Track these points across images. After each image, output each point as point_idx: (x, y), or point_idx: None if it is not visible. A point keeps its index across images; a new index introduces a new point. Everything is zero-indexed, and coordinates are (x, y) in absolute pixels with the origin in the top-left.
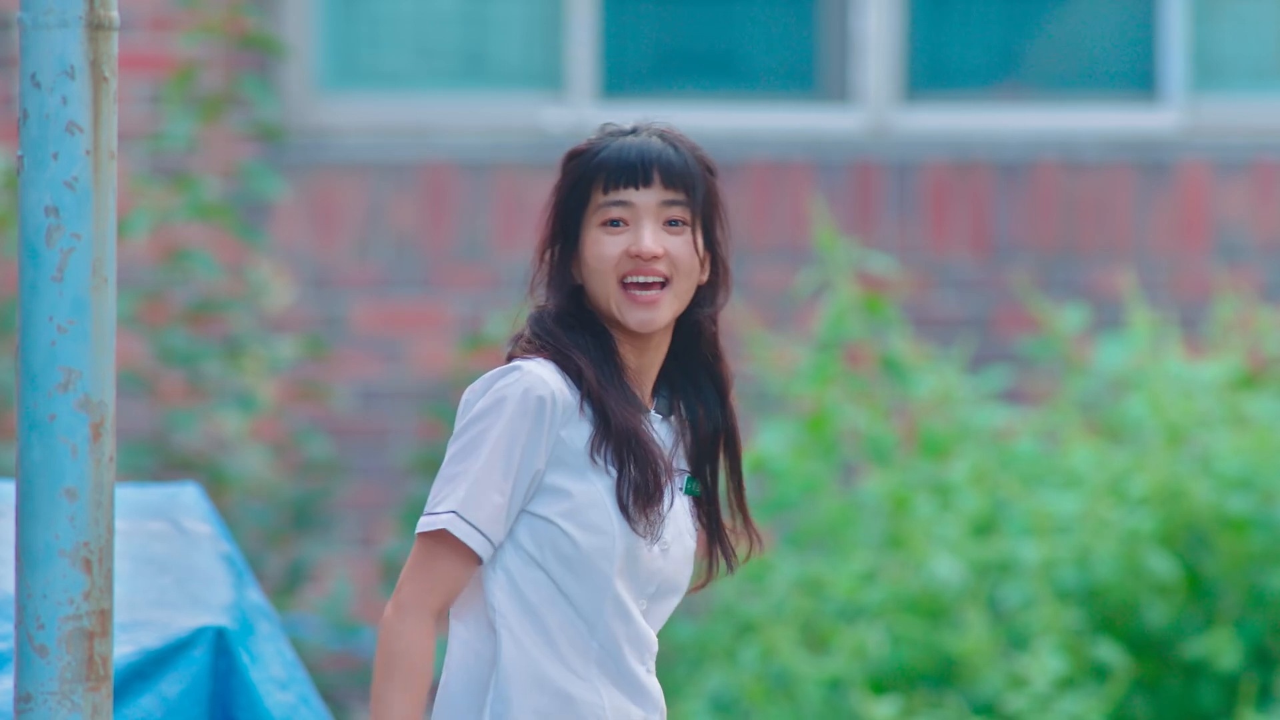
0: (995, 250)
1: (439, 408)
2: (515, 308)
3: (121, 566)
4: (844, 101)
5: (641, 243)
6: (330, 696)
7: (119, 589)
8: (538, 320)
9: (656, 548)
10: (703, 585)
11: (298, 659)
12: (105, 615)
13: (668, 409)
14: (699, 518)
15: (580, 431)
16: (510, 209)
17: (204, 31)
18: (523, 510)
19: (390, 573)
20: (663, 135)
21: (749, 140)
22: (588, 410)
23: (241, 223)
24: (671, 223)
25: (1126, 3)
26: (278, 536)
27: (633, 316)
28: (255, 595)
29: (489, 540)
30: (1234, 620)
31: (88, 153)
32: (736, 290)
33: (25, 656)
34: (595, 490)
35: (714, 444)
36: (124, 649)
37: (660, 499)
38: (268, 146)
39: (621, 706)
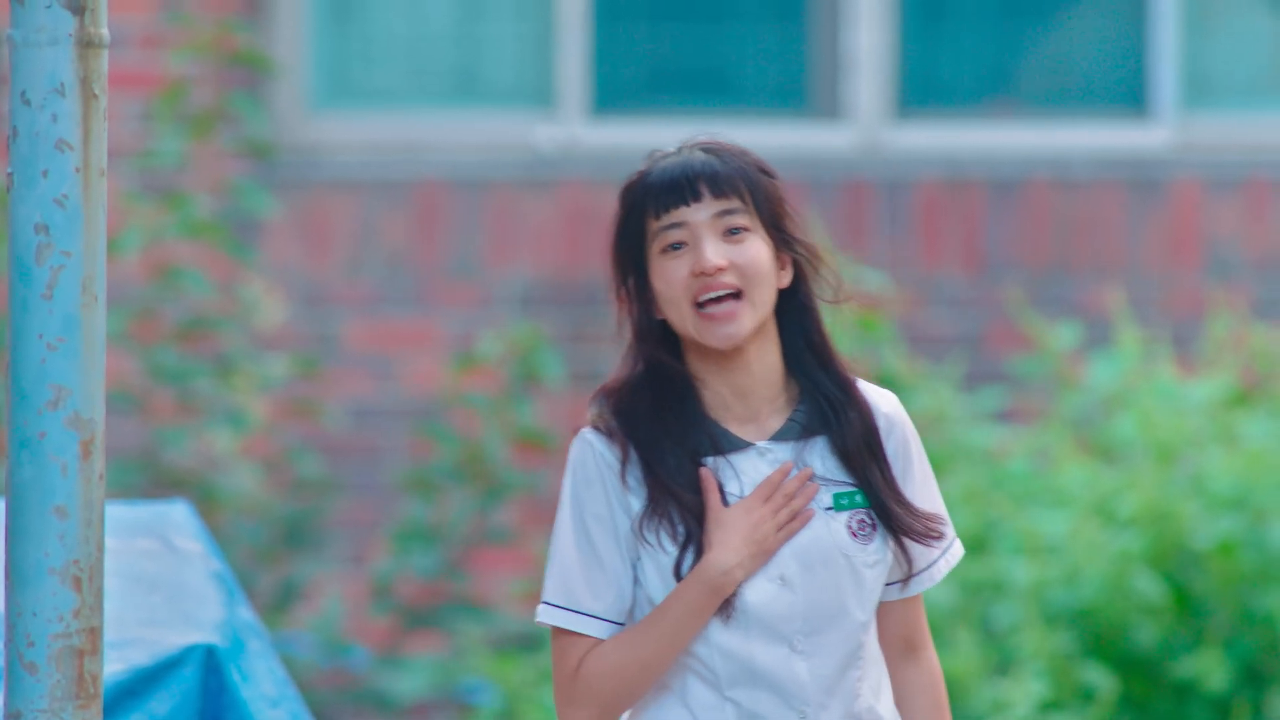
0: (987, 268)
1: (431, 426)
2: (615, 352)
3: (111, 584)
4: (835, 119)
5: (703, 258)
6: (321, 714)
7: (109, 607)
8: (597, 398)
9: (770, 587)
10: (906, 578)
11: (289, 677)
12: (95, 633)
13: (798, 431)
14: (868, 524)
15: (626, 498)
16: (502, 226)
17: (194, 49)
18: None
19: (381, 591)
20: (705, 147)
21: None
22: (632, 482)
23: (232, 240)
24: (732, 231)
25: (1118, 20)
26: (269, 554)
27: (712, 336)
28: (246, 613)
29: (592, 616)
30: (1224, 640)
31: (78, 170)
32: None
33: (15, 674)
34: (649, 563)
35: (861, 448)
36: (114, 667)
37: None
38: (258, 164)
39: None
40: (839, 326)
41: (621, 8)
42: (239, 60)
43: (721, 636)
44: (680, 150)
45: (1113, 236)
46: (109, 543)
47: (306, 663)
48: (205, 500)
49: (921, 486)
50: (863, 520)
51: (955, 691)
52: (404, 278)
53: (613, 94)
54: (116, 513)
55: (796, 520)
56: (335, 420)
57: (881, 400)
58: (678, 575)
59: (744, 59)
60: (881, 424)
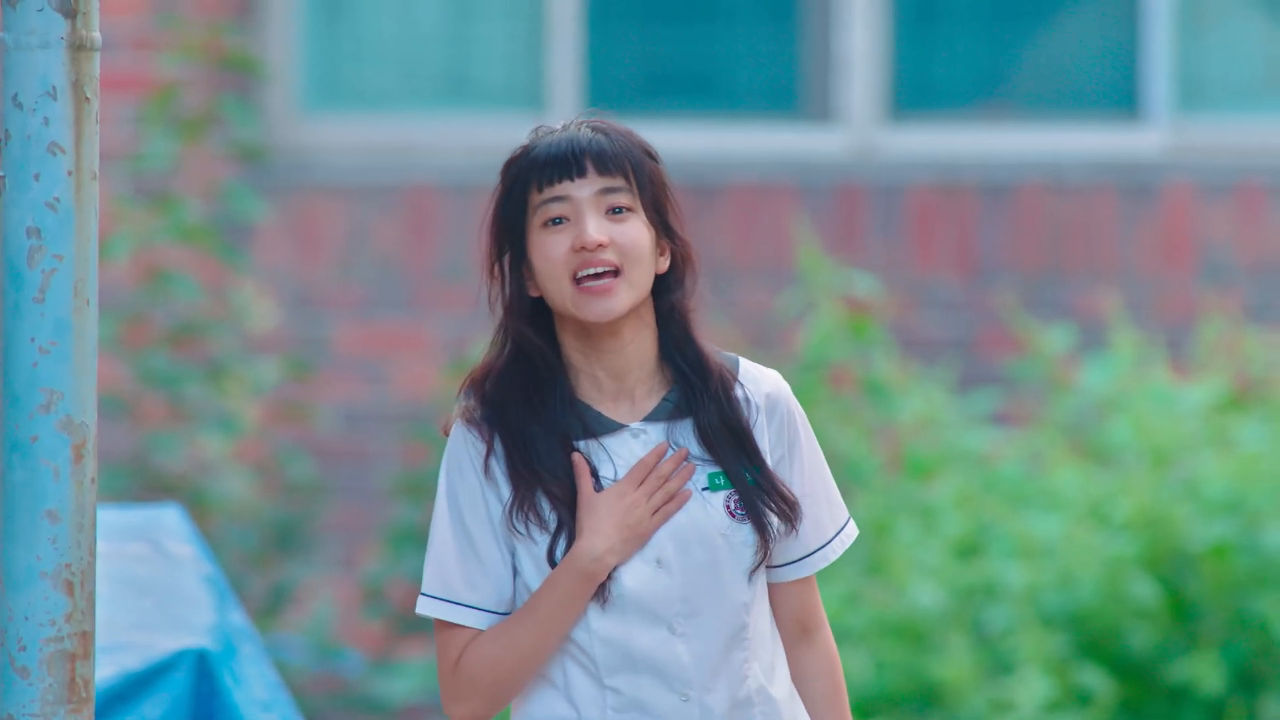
0: (980, 272)
1: (422, 430)
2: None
3: (103, 588)
4: (828, 122)
5: (585, 234)
6: (313, 718)
7: (100, 611)
8: (465, 388)
9: (646, 569)
10: (761, 562)
11: (280, 681)
12: (87, 637)
13: (668, 413)
14: (740, 506)
15: (499, 489)
16: None
17: (185, 52)
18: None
19: (373, 595)
20: (593, 125)
21: (732, 161)
22: (497, 473)
23: (223, 244)
24: (614, 210)
25: (1111, 23)
26: (260, 558)
27: (588, 310)
28: (237, 617)
29: (470, 607)
30: (1218, 644)
31: (70, 173)
32: (721, 311)
33: (7, 678)
34: (523, 553)
35: (720, 429)
36: (105, 671)
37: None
38: (249, 167)
39: None
40: (702, 315)
41: (613, 10)
42: (230, 63)
43: (600, 622)
44: (566, 127)
45: (1106, 240)
46: (100, 547)
47: (298, 667)
48: (196, 504)
49: (809, 468)
50: (739, 500)
51: (949, 695)
52: (395, 281)
53: (605, 97)
54: (108, 517)
55: (672, 502)
56: (326, 424)
57: (764, 380)
58: (551, 563)
59: (736, 62)
60: (763, 404)
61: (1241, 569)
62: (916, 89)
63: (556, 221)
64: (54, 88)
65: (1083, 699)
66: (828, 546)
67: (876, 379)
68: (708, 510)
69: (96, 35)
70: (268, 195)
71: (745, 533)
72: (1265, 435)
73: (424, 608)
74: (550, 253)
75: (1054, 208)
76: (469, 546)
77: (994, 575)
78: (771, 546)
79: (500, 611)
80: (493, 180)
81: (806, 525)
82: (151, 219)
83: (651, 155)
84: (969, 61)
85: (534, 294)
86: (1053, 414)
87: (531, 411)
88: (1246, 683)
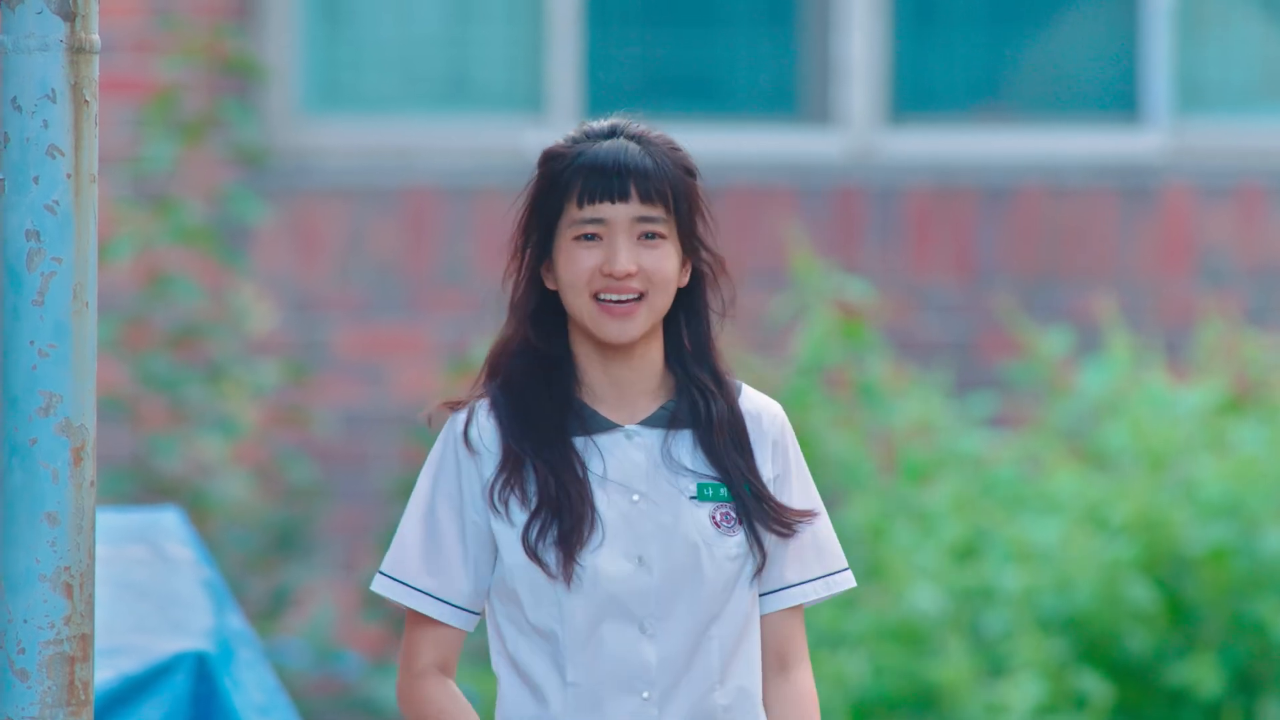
0: (978, 275)
1: (421, 432)
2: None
3: (102, 591)
4: (826, 125)
5: (615, 262)
6: None
7: (99, 614)
8: (485, 365)
9: (629, 565)
10: (753, 574)
11: (280, 684)
12: (86, 640)
13: (667, 421)
14: (733, 518)
15: (482, 471)
16: (492, 233)
17: (185, 54)
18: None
19: (372, 598)
20: (640, 139)
21: (731, 164)
22: (482, 449)
23: (223, 247)
24: (647, 236)
25: (1110, 25)
26: (260, 561)
27: (605, 330)
28: (237, 620)
29: (424, 593)
30: (1216, 647)
31: (69, 176)
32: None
33: (6, 681)
34: (506, 529)
35: (726, 442)
36: (104, 674)
37: (570, 536)
38: (249, 170)
39: None
40: (723, 334)
41: (613, 13)
42: (229, 66)
43: (573, 612)
44: (614, 133)
45: (1105, 243)
46: (99, 550)
47: (298, 670)
48: (196, 507)
49: (798, 502)
50: (727, 513)
51: (947, 698)
52: (394, 284)
53: (604, 99)
54: (107, 520)
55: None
56: (326, 427)
57: (766, 406)
58: (526, 545)
59: (736, 65)
60: (764, 425)
61: (1239, 572)
62: (915, 91)
63: (590, 238)
64: (53, 90)
65: (1079, 702)
66: (807, 584)
67: (872, 383)
68: (695, 518)
69: (96, 38)
70: (267, 198)
71: (730, 545)
72: (1263, 438)
73: (378, 585)
74: (578, 267)
75: (1053, 210)
76: (435, 532)
77: (991, 579)
78: (765, 557)
79: (455, 604)
80: (490, 182)
81: (789, 558)
82: (152, 222)
83: (690, 172)
84: (968, 64)
85: (551, 287)
86: (1050, 417)
87: (534, 396)
88: (1245, 686)
